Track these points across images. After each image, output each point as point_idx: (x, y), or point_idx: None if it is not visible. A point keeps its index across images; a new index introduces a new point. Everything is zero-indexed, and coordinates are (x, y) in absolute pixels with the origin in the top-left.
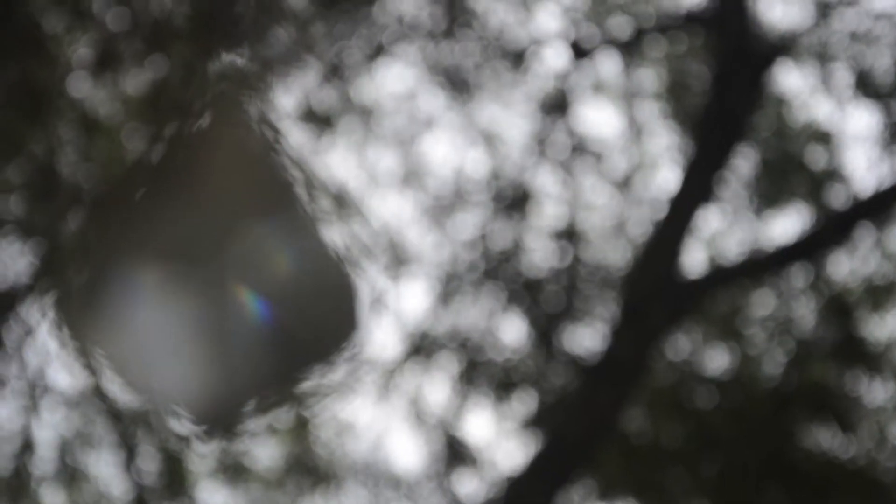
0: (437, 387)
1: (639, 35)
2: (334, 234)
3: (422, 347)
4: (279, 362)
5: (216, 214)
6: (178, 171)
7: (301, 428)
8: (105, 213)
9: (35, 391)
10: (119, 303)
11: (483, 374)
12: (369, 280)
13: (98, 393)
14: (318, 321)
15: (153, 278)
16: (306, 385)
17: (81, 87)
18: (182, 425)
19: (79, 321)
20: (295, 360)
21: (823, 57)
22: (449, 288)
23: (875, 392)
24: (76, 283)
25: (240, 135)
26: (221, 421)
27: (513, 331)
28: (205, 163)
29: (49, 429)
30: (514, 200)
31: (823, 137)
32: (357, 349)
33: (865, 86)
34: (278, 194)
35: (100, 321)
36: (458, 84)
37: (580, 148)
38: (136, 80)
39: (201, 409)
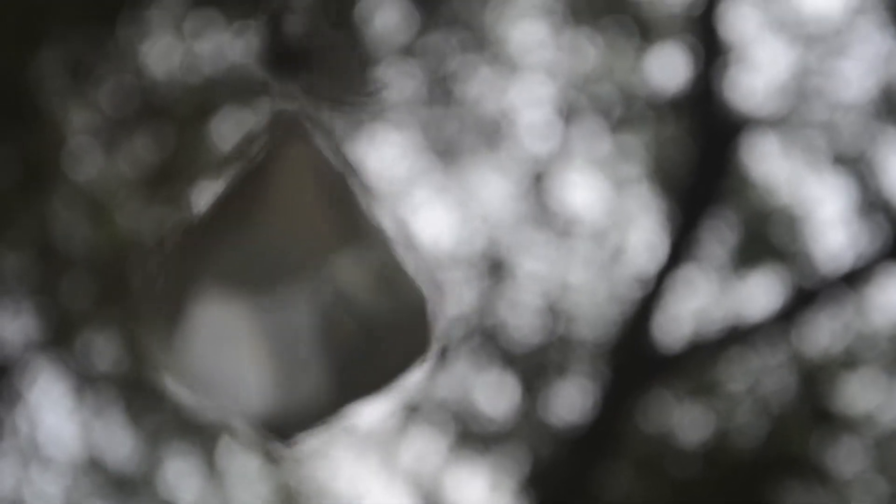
0: (427, 451)
1: (618, 110)
2: (407, 256)
3: (414, 412)
4: (346, 379)
5: (288, 235)
6: (248, 194)
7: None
8: (183, 237)
9: (30, 458)
10: (193, 321)
11: (470, 439)
12: (439, 301)
13: (95, 462)
14: (389, 341)
15: (226, 298)
16: (370, 400)
17: (81, 160)
18: (251, 434)
19: (155, 337)
20: (362, 377)
21: (796, 128)
22: (441, 355)
23: (851, 461)
24: (153, 302)
25: (309, 156)
26: (285, 431)
27: (498, 399)
28: (274, 184)
29: (44, 499)
30: (494, 271)
31: (796, 209)
32: (424, 367)
33: (838, 157)
34: (350, 213)
35: (174, 337)
36: (444, 153)
37: (559, 219)
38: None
39: (266, 419)
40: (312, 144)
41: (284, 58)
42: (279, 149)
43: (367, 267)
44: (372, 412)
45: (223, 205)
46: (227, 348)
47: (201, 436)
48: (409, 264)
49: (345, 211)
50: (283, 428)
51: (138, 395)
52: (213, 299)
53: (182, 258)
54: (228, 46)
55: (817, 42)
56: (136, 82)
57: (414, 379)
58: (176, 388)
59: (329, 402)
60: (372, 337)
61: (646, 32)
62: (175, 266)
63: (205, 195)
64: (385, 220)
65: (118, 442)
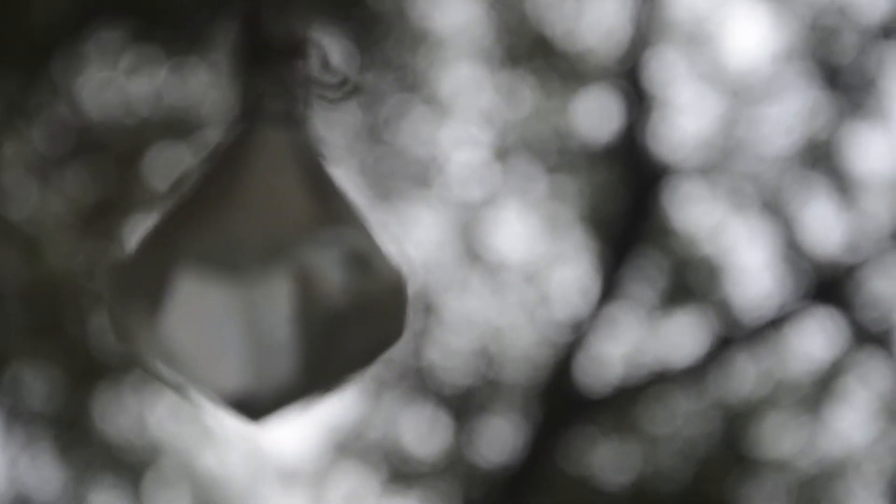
0: (357, 490)
1: (550, 154)
2: (382, 241)
3: (344, 451)
4: (320, 361)
5: (265, 217)
6: (225, 176)
7: None
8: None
9: None
10: (167, 300)
11: (400, 479)
12: (417, 288)
13: (21, 499)
14: (365, 324)
15: (201, 278)
16: (344, 382)
17: (14, 195)
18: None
19: (126, 315)
20: (336, 360)
21: (721, 176)
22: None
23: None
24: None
25: (285, 140)
26: (256, 411)
27: (428, 439)
28: (251, 167)
29: None
30: (425, 312)
31: (720, 255)
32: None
33: (763, 205)
34: (327, 196)
35: (146, 315)
36: (377, 193)
37: (490, 261)
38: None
39: (238, 398)
40: (288, 129)
41: (260, 50)
42: (255, 133)
43: (344, 250)
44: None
45: (200, 187)
46: (202, 327)
47: (129, 472)
48: (385, 249)
49: (321, 194)
50: (254, 408)
51: (67, 431)
52: (189, 279)
53: (158, 238)
54: (166, 83)
55: (743, 91)
56: (71, 118)
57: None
58: (150, 366)
59: (302, 383)
60: (347, 320)
61: (576, 79)
62: (151, 246)
63: (138, 230)
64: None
65: (46, 478)
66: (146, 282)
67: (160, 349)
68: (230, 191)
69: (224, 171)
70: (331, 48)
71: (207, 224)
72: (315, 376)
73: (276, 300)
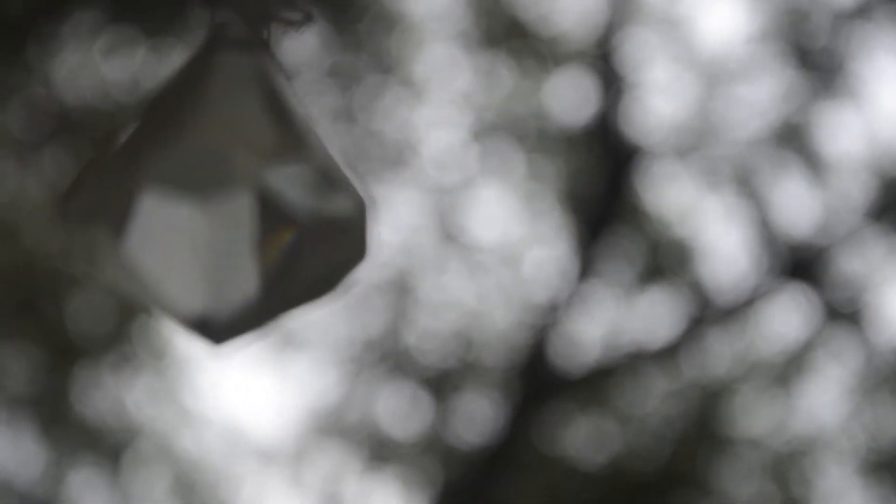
0: (336, 471)
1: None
2: (343, 166)
3: (323, 433)
4: (282, 284)
5: (226, 139)
6: (186, 99)
7: None
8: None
9: None
10: (128, 222)
11: (378, 460)
12: (375, 211)
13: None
14: (327, 247)
15: (162, 201)
16: (306, 305)
17: None
18: (186, 335)
19: (86, 237)
20: (298, 283)
21: (696, 157)
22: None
23: (749, 482)
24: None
25: (246, 64)
26: (217, 334)
27: (405, 420)
28: (212, 90)
29: None
30: (402, 294)
31: (694, 235)
32: (357, 277)
33: (737, 185)
34: (289, 120)
35: (107, 237)
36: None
37: (466, 242)
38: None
39: (199, 321)
40: (250, 54)
41: None
42: (215, 57)
43: (305, 172)
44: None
45: (160, 110)
46: (162, 249)
47: (108, 453)
48: (346, 172)
49: (282, 117)
50: (215, 330)
51: (46, 413)
52: (149, 200)
53: (119, 159)
54: (143, 64)
55: (717, 72)
56: (48, 100)
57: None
58: (110, 287)
59: (263, 305)
60: (308, 241)
61: (550, 61)
62: (111, 167)
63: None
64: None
65: (26, 460)
66: (107, 203)
67: (121, 271)
68: (190, 113)
69: (184, 94)
70: None
71: (168, 145)
72: (276, 298)
73: (237, 221)
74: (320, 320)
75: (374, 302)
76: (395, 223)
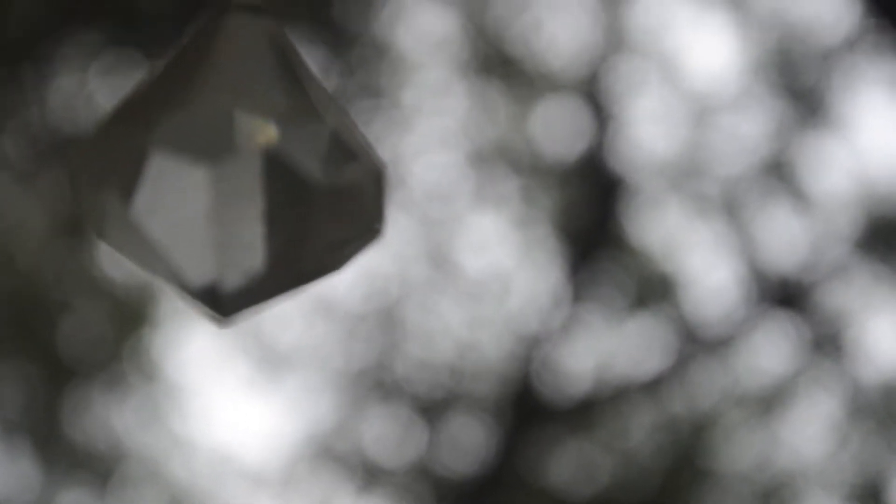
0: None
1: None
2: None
3: (317, 457)
4: (293, 250)
5: (238, 104)
6: (197, 62)
7: None
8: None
9: None
10: (134, 188)
11: (368, 489)
12: (388, 180)
13: None
14: (339, 217)
15: (170, 166)
16: (316, 276)
17: None
18: (190, 303)
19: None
20: (309, 251)
21: (685, 189)
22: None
23: None
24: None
25: (258, 29)
26: (224, 305)
27: (394, 450)
28: (224, 53)
29: None
30: (392, 323)
31: (682, 269)
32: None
33: (726, 219)
34: (302, 85)
35: (113, 202)
36: None
37: (457, 271)
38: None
39: (206, 291)
40: (263, 18)
41: None
42: (227, 20)
43: (319, 139)
44: None
45: (169, 72)
46: (170, 215)
47: (98, 475)
48: (363, 141)
49: (296, 81)
50: (223, 301)
51: (37, 436)
52: (158, 165)
53: (126, 121)
54: None
55: (705, 104)
56: (45, 122)
57: (361, 260)
58: (116, 256)
59: (273, 277)
60: (321, 211)
61: (538, 90)
62: (120, 130)
63: None
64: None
65: (19, 481)
66: (115, 166)
67: (128, 237)
68: (201, 76)
69: (196, 56)
70: None
71: (178, 108)
72: (286, 269)
73: (247, 188)
74: (312, 345)
75: (365, 330)
76: (386, 251)
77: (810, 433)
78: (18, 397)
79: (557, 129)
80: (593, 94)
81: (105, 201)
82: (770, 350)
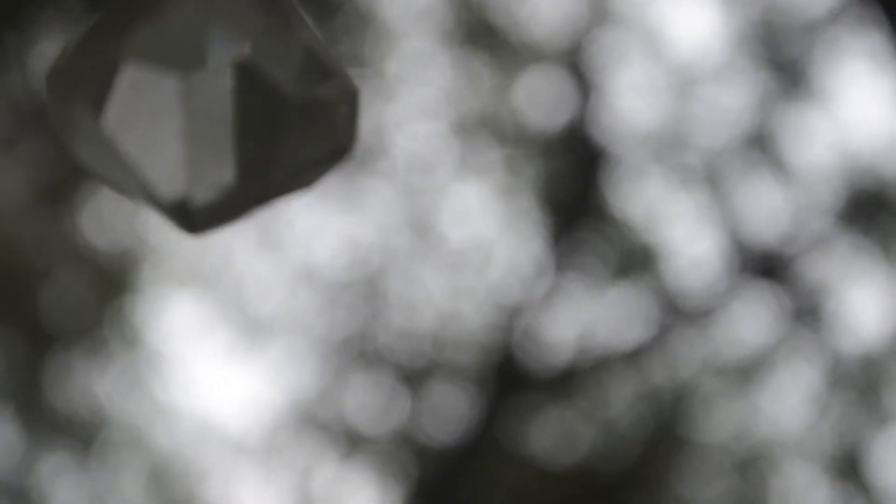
0: (310, 468)
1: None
2: (329, 53)
3: (300, 426)
4: (263, 164)
5: (210, 17)
6: None
7: None
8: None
9: None
10: (106, 101)
11: (352, 457)
12: (359, 98)
13: None
14: (310, 132)
15: (142, 79)
16: (286, 192)
17: None
18: (162, 215)
19: (66, 114)
20: (280, 165)
21: (667, 158)
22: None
23: (712, 485)
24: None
25: None
26: (194, 220)
27: (376, 419)
28: None
29: None
30: (374, 292)
31: (664, 237)
32: (347, 150)
33: (709, 188)
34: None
35: (84, 114)
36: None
37: (439, 239)
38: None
39: (175, 205)
40: None
41: None
42: None
43: (292, 55)
44: None
45: None
46: (141, 129)
47: (79, 443)
48: (334, 59)
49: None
50: (193, 216)
51: (19, 403)
52: (128, 77)
53: (100, 33)
54: None
55: (688, 74)
56: (24, 89)
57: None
58: (87, 169)
59: (244, 192)
60: (292, 125)
61: (520, 60)
62: (92, 42)
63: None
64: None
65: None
66: (87, 78)
67: (99, 150)
68: None
69: None
70: None
71: (150, 20)
72: (257, 184)
73: (218, 99)
74: (295, 314)
75: (348, 298)
76: (368, 220)
77: (790, 403)
78: (1, 364)
79: (541, 100)
80: (577, 64)
81: (76, 114)
82: (751, 321)
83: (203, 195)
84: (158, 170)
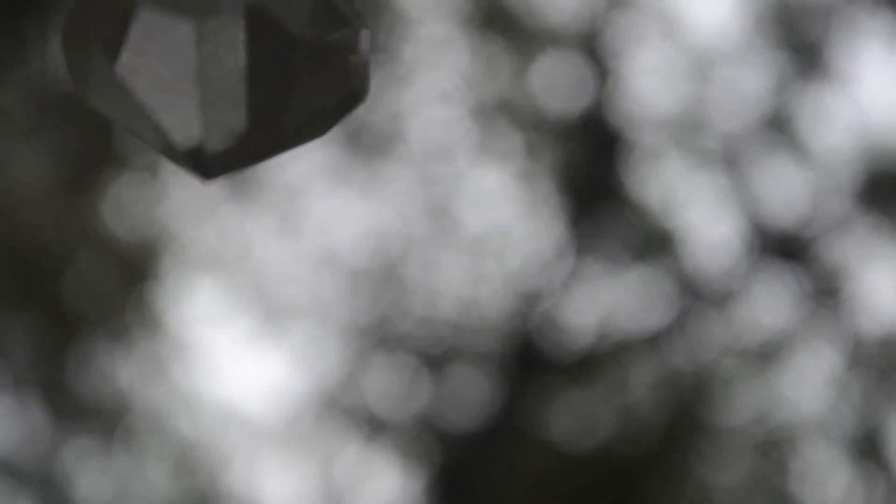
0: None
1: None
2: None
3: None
4: (275, 115)
5: None
6: None
7: None
8: None
9: None
10: (119, 44)
11: (373, 443)
12: (371, 42)
13: None
14: (324, 78)
15: (155, 24)
16: (298, 140)
17: None
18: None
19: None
20: (293, 111)
21: (686, 143)
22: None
23: (734, 469)
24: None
25: None
26: (207, 165)
27: (397, 404)
28: None
29: None
30: (394, 279)
31: (683, 221)
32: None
33: (728, 173)
34: None
35: (99, 61)
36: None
37: (458, 225)
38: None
39: (189, 151)
40: None
41: None
42: None
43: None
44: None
45: None
46: (155, 75)
47: (102, 430)
48: (347, 5)
49: None
50: (206, 163)
51: (44, 386)
52: (142, 23)
53: None
54: None
55: (709, 59)
56: (44, 77)
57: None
58: (101, 115)
59: (258, 138)
60: (306, 74)
61: (539, 44)
62: None
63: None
64: None
65: (25, 431)
66: (101, 25)
67: (114, 96)
68: None
69: None
70: None
71: None
72: (271, 130)
73: (230, 45)
74: (316, 300)
75: (368, 285)
76: (387, 207)
77: (810, 386)
78: (26, 352)
79: (559, 84)
80: (594, 48)
81: (90, 60)
82: (770, 303)
83: (217, 142)
84: (173, 117)
